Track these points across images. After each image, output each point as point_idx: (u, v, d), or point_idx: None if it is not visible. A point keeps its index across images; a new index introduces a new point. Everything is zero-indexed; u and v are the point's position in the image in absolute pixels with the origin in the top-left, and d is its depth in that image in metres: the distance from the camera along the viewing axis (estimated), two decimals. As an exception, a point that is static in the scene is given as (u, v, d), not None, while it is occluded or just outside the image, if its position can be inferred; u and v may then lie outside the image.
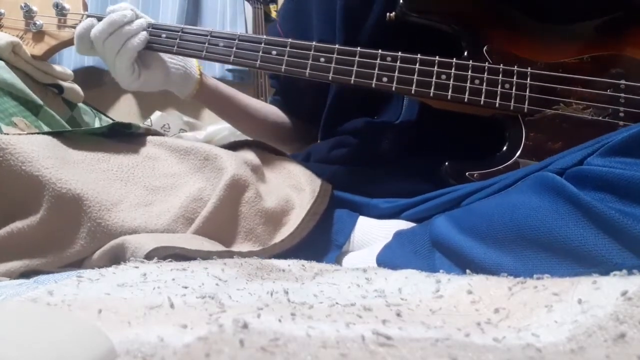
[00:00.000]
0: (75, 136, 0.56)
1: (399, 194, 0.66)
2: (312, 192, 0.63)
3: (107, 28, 0.66)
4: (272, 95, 0.96)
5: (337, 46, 0.65)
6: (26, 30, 0.74)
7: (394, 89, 0.63)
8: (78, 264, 0.50)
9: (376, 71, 0.63)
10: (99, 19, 0.68)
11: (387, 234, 0.59)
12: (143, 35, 0.68)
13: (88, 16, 0.71)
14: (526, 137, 0.60)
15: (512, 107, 0.61)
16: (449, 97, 0.62)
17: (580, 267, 0.37)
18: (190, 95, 0.78)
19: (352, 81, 0.64)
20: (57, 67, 0.81)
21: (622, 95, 0.59)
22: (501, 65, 0.62)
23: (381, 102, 0.74)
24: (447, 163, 0.62)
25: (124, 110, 1.96)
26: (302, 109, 0.90)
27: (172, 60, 0.74)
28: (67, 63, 1.87)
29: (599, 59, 0.61)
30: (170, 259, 0.44)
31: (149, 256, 0.44)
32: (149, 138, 0.61)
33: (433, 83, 0.62)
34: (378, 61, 0.64)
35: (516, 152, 0.60)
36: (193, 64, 0.77)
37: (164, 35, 0.69)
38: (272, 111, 0.92)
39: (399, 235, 0.58)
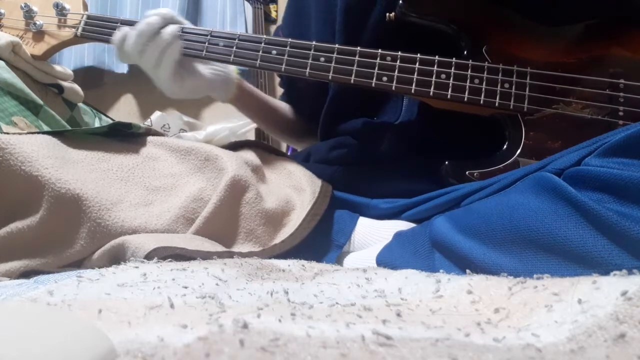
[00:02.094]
0: (75, 136, 0.56)
1: (399, 194, 0.66)
2: (312, 193, 0.63)
3: (138, 40, 0.66)
4: (282, 94, 0.97)
5: (337, 46, 0.65)
6: (26, 30, 0.74)
7: (393, 88, 0.63)
8: (78, 264, 0.50)
9: (376, 71, 0.63)
10: (131, 23, 0.68)
11: (387, 234, 0.59)
12: (178, 44, 0.67)
13: (122, 23, 0.71)
14: (526, 136, 0.60)
15: (511, 107, 0.61)
16: (448, 96, 0.62)
17: (580, 268, 0.37)
18: (230, 99, 0.78)
19: (352, 81, 0.64)
20: (57, 67, 0.81)
21: (621, 94, 0.59)
22: (501, 65, 0.62)
23: (380, 102, 0.74)
24: (447, 162, 0.62)
25: (124, 110, 1.97)
26: (304, 108, 0.91)
27: (213, 64, 0.74)
28: (67, 63, 1.87)
29: (598, 58, 0.61)
30: (170, 259, 0.44)
31: (149, 256, 0.44)
32: (149, 138, 0.61)
33: (433, 82, 0.62)
34: (378, 61, 0.64)
35: (516, 151, 0.60)
36: (232, 68, 0.77)
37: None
38: (288, 109, 0.94)
39: (399, 235, 0.58)
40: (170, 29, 0.67)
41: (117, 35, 0.69)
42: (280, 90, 1.00)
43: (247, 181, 0.58)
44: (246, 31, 1.93)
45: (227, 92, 0.77)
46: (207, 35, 0.69)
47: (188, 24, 0.71)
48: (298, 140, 0.97)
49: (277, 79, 1.81)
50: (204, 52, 0.69)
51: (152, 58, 0.67)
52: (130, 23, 0.71)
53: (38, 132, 0.53)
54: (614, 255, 0.36)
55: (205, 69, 0.72)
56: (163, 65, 0.67)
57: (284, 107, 0.94)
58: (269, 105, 0.90)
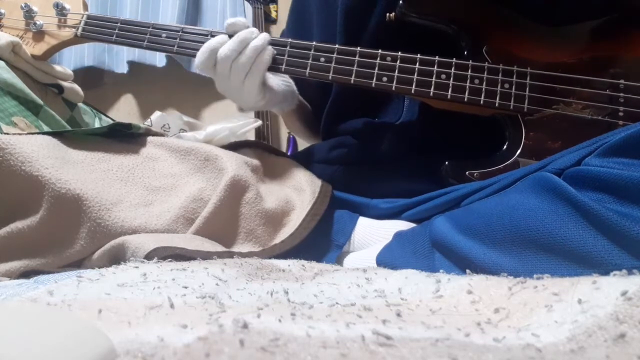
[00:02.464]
0: (76, 136, 0.56)
1: (399, 194, 0.66)
2: (312, 193, 0.63)
3: (238, 47, 0.62)
4: None
5: (337, 46, 0.65)
6: (26, 30, 0.74)
7: (393, 88, 0.63)
8: (78, 264, 0.50)
9: (376, 71, 0.63)
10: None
11: (387, 234, 0.59)
12: (270, 50, 0.64)
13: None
14: (526, 136, 0.60)
15: (511, 107, 0.61)
16: (448, 96, 0.62)
17: (580, 268, 0.37)
18: (290, 109, 0.78)
19: (352, 81, 0.64)
20: (57, 67, 0.81)
21: (622, 94, 0.59)
22: (501, 65, 0.62)
23: (382, 103, 0.74)
24: (447, 163, 0.62)
25: (124, 110, 1.96)
26: (311, 108, 0.91)
27: (282, 76, 0.72)
28: (67, 63, 1.87)
29: (598, 59, 0.61)
30: (170, 259, 0.44)
31: (149, 256, 0.44)
32: (149, 138, 0.61)
33: (433, 83, 0.62)
34: (378, 61, 0.64)
35: (516, 152, 0.60)
36: (290, 79, 0.76)
37: (164, 35, 0.69)
38: None
39: (399, 235, 0.58)
40: (264, 35, 0.64)
41: (213, 41, 0.63)
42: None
43: (247, 181, 0.58)
44: (246, 31, 1.92)
45: (291, 104, 0.77)
46: (207, 35, 0.68)
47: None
48: (315, 139, 0.96)
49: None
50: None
51: (246, 65, 0.62)
52: (130, 23, 0.71)
53: (38, 133, 0.53)
54: (613, 256, 0.36)
55: (279, 81, 0.70)
56: (253, 74, 0.63)
57: None
58: (309, 111, 0.89)
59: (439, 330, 0.25)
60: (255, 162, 0.65)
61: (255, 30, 0.64)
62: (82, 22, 0.73)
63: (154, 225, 0.52)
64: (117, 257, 0.48)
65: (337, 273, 0.43)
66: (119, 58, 1.89)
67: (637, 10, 0.62)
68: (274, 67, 0.67)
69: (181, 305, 0.28)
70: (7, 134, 0.50)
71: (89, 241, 0.49)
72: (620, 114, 0.58)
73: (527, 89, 0.61)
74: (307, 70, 0.65)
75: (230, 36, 0.64)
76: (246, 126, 1.64)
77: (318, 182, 0.66)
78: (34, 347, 0.18)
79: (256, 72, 0.63)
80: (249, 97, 0.66)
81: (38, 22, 0.74)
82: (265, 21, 1.88)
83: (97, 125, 0.90)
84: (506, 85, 0.61)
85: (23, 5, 0.73)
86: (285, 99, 0.74)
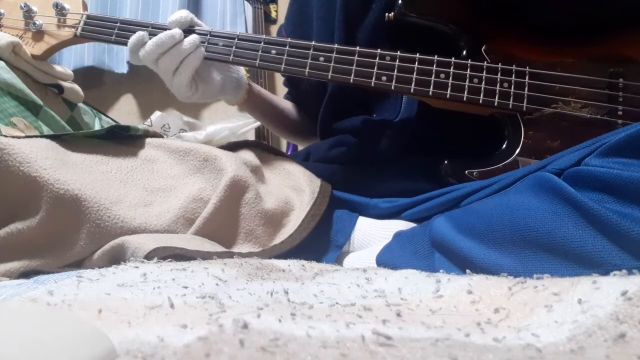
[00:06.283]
0: (74, 139, 0.56)
1: (398, 194, 0.66)
2: (311, 193, 0.63)
3: (155, 49, 0.66)
4: (286, 93, 0.98)
5: (336, 45, 0.65)
6: (26, 30, 0.74)
7: (393, 88, 0.63)
8: (78, 264, 0.50)
9: (375, 70, 0.64)
10: (151, 32, 0.68)
11: (387, 234, 0.59)
12: (200, 52, 0.68)
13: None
14: (525, 135, 0.61)
15: (510, 106, 0.61)
16: (447, 96, 0.62)
17: (580, 268, 0.37)
18: (239, 102, 0.79)
19: (351, 80, 0.64)
20: (57, 67, 0.81)
21: (621, 93, 0.59)
22: (499, 64, 0.62)
23: (379, 100, 0.74)
24: (446, 162, 0.62)
25: (124, 110, 1.96)
26: (306, 107, 0.92)
27: (227, 69, 0.74)
28: (67, 63, 1.87)
29: (597, 58, 0.61)
30: (170, 259, 0.44)
31: (149, 256, 0.44)
32: (148, 140, 0.61)
33: (432, 82, 0.62)
34: (377, 60, 0.64)
35: (515, 151, 0.60)
36: (242, 72, 0.78)
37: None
38: (293, 108, 0.95)
39: (398, 235, 0.58)
40: (192, 38, 0.67)
41: (133, 39, 0.68)
42: (282, 90, 1.00)
43: (247, 181, 0.58)
44: (246, 31, 1.93)
45: (236, 96, 0.78)
46: (206, 35, 0.69)
47: (204, 26, 0.71)
48: (304, 139, 0.98)
49: (277, 79, 1.81)
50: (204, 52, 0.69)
51: (171, 65, 0.67)
52: (130, 23, 0.71)
53: (36, 136, 0.52)
54: (613, 256, 0.36)
55: (217, 74, 0.73)
56: (182, 73, 0.67)
57: (290, 106, 0.95)
58: (275, 106, 0.91)
59: (439, 330, 0.25)
60: (255, 162, 0.65)
61: (179, 34, 0.66)
62: (82, 22, 0.73)
63: (153, 225, 0.52)
64: (117, 257, 0.48)
65: (337, 273, 0.43)
66: (119, 58, 1.89)
67: (636, 10, 0.62)
68: (273, 67, 0.67)
69: (181, 305, 0.28)
70: (6, 135, 0.50)
71: (88, 242, 0.49)
72: (619, 112, 0.58)
73: (526, 88, 0.61)
74: (307, 70, 0.65)
75: (153, 33, 0.67)
76: (246, 126, 1.64)
77: (317, 182, 0.66)
78: (34, 347, 0.18)
79: (184, 71, 0.67)
80: (180, 92, 0.70)
81: (37, 22, 0.74)
82: (265, 21, 1.88)
83: (97, 125, 0.89)
84: (505, 85, 0.61)
85: (22, 5, 0.73)
86: (223, 91, 0.75)
